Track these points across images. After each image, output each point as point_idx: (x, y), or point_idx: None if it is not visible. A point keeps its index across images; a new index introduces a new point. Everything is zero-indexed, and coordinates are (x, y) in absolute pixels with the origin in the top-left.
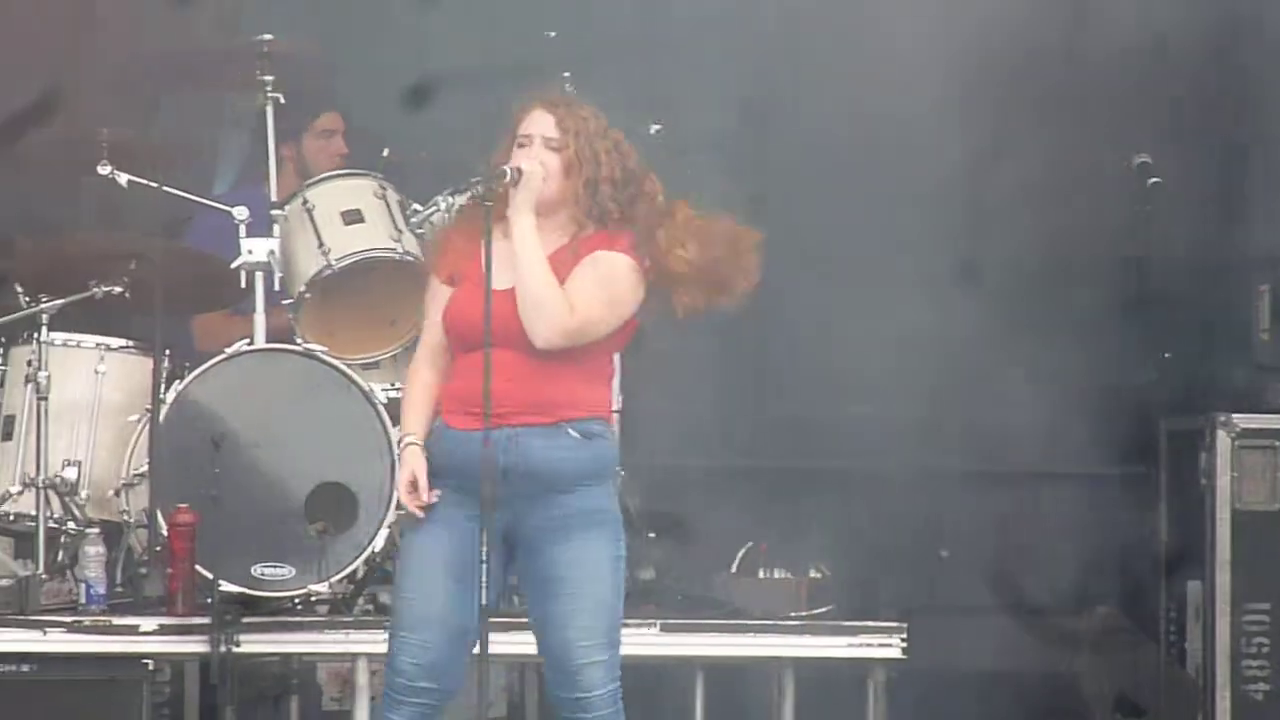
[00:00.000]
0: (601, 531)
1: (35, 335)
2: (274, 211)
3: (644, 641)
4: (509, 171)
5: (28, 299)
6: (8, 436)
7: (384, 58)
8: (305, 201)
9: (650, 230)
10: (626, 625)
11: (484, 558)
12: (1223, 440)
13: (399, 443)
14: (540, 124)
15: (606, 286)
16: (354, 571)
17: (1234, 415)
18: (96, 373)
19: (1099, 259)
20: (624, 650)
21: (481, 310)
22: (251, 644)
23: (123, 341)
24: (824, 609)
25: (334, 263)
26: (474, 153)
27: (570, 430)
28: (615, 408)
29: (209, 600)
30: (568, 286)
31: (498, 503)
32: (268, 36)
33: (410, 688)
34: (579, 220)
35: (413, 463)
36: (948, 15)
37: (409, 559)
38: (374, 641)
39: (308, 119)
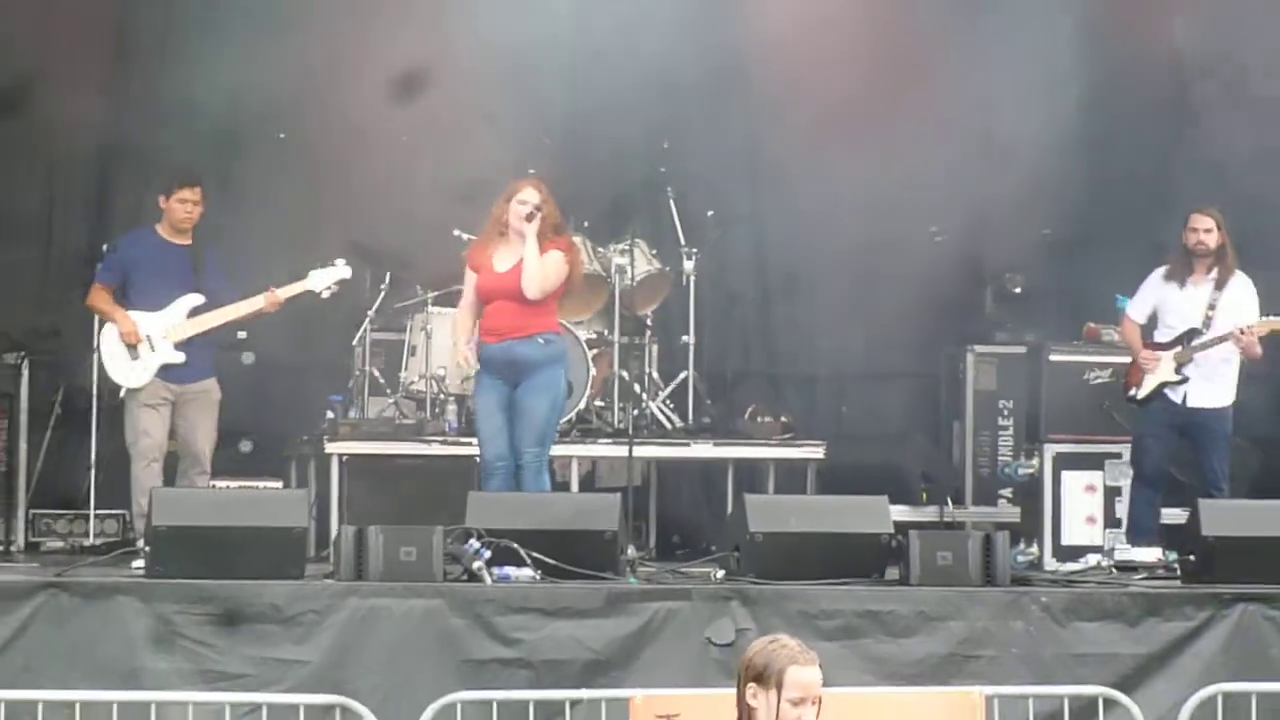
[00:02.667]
0: (550, 391)
1: (425, 308)
2: None
3: (704, 451)
4: (533, 210)
5: (420, 290)
6: (413, 354)
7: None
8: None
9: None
10: (696, 441)
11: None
12: (970, 358)
13: (465, 341)
14: (531, 194)
15: (555, 267)
16: (572, 416)
17: (976, 345)
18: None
19: (936, 271)
20: (692, 454)
21: (494, 283)
22: None
23: None
24: (789, 435)
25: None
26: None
27: (539, 339)
28: (690, 340)
29: None
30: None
31: (507, 376)
32: (532, 171)
33: (492, 466)
34: (540, 241)
35: (465, 349)
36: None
37: (477, 405)
38: (577, 453)
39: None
